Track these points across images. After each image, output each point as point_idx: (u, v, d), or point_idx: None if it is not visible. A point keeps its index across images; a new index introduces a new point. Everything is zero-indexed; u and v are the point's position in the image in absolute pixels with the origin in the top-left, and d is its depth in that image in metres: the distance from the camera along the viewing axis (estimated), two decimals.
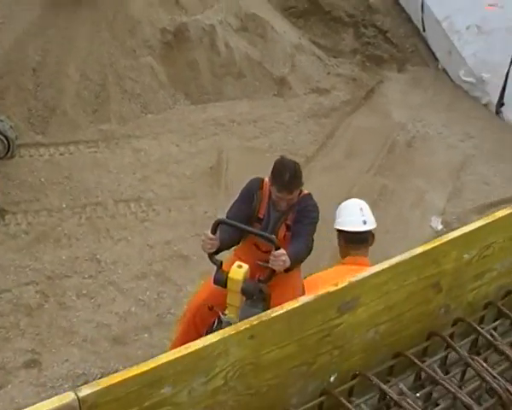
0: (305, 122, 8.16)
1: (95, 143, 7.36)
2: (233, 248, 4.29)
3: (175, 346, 4.13)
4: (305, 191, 4.18)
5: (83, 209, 6.54)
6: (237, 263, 3.81)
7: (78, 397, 2.04)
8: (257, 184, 4.23)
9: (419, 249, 2.79)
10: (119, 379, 2.11)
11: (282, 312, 2.43)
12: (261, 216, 4.15)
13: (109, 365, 5.15)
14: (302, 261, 4.09)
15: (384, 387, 2.63)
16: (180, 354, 2.21)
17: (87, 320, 5.49)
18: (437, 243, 2.88)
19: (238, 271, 3.75)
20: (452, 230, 6.75)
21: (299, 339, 2.55)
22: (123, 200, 6.70)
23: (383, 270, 2.67)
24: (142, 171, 7.07)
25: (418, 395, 2.63)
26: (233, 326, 2.45)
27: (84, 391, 2.06)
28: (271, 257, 3.70)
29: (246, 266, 3.78)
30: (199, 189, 6.96)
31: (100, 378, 5.46)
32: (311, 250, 4.14)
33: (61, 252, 6.06)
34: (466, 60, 8.71)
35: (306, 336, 2.56)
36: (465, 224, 6.81)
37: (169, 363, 2.19)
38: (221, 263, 3.92)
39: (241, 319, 3.76)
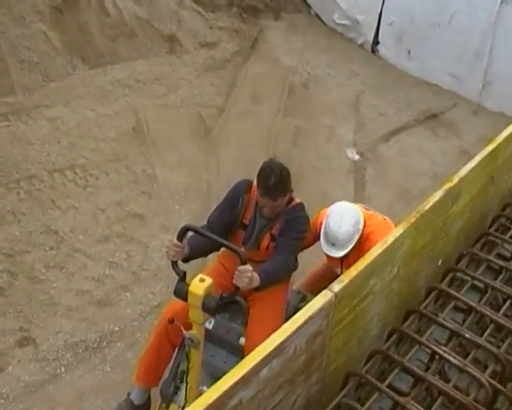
0: (204, 76, 8.40)
1: (4, 116, 6.97)
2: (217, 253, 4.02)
3: (148, 353, 3.97)
4: (297, 200, 3.83)
5: (17, 184, 6.23)
6: (200, 276, 3.35)
7: (334, 293, 2.34)
8: (244, 187, 3.86)
9: (490, 147, 3.33)
10: (355, 273, 2.41)
11: (431, 205, 2.85)
12: (246, 222, 3.83)
13: (104, 327, 5.12)
14: (278, 281, 3.67)
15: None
16: (381, 249, 2.56)
17: (65, 290, 5.36)
18: (497, 141, 3.41)
19: (199, 285, 3.27)
20: (366, 159, 7.60)
21: (433, 228, 2.98)
22: (57, 169, 6.48)
23: (474, 166, 3.18)
24: (67, 138, 6.86)
25: None
26: (406, 219, 2.71)
27: (337, 287, 2.36)
28: (236, 272, 3.28)
29: (209, 281, 3.30)
30: (128, 149, 6.92)
31: (99, 343, 5.46)
32: (291, 268, 3.76)
33: (12, 229, 5.79)
34: (339, 4, 9.36)
35: (435, 224, 2.99)
36: (376, 152, 7.71)
37: (378, 256, 2.53)
38: (184, 274, 3.46)
39: (215, 333, 3.68)
